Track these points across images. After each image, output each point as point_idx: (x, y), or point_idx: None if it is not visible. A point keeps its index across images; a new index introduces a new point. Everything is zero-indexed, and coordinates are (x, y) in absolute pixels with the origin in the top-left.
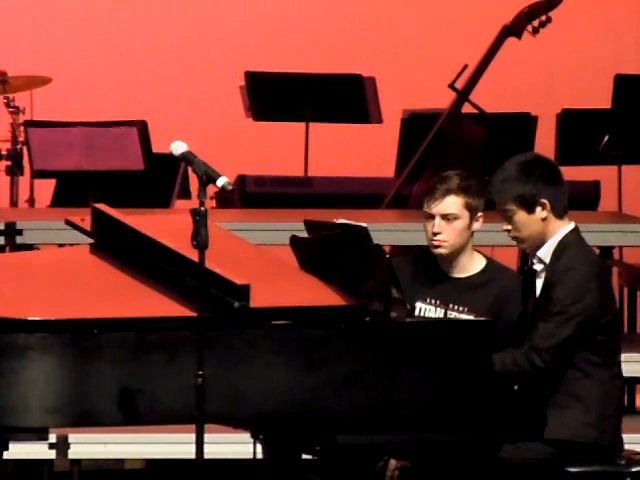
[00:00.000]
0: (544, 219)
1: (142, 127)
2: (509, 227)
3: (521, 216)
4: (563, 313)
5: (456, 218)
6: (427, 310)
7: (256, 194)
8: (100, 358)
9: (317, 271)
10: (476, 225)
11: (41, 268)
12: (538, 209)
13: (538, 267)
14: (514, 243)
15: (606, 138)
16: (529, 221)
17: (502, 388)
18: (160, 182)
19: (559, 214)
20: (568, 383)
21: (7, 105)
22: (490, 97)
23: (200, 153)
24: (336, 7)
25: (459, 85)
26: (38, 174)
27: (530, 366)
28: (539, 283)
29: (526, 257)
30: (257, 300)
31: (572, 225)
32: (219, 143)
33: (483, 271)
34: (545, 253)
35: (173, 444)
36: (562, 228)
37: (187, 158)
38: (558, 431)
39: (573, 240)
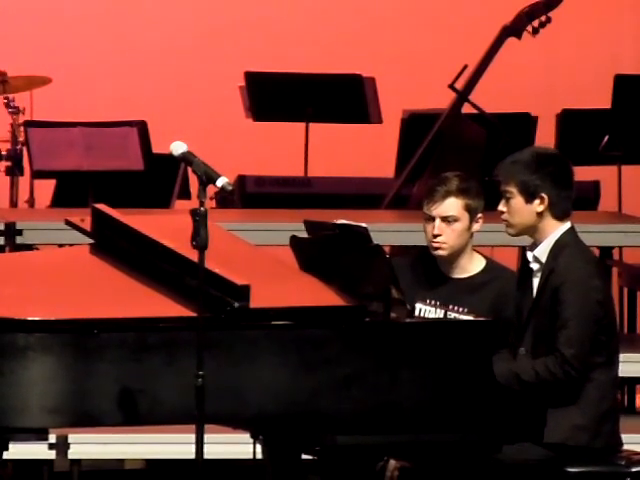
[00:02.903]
0: (539, 214)
1: (142, 127)
2: (504, 209)
3: (518, 202)
4: (576, 316)
5: (456, 220)
6: (427, 311)
7: (256, 194)
8: (100, 358)
9: (317, 271)
10: (476, 226)
11: (41, 268)
12: (536, 201)
13: (534, 266)
14: (514, 243)
15: (606, 138)
16: (524, 209)
17: (502, 388)
18: (160, 182)
19: (558, 215)
20: (569, 386)
21: (7, 105)
22: (490, 97)
23: (200, 153)
24: (336, 7)
25: (459, 85)
26: (38, 174)
27: (565, 375)
28: (535, 282)
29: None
30: (257, 300)
31: (568, 225)
32: (219, 143)
33: (483, 272)
34: (541, 252)
35: (173, 444)
36: (559, 228)
37: (187, 158)
38: (551, 434)
39: (570, 240)
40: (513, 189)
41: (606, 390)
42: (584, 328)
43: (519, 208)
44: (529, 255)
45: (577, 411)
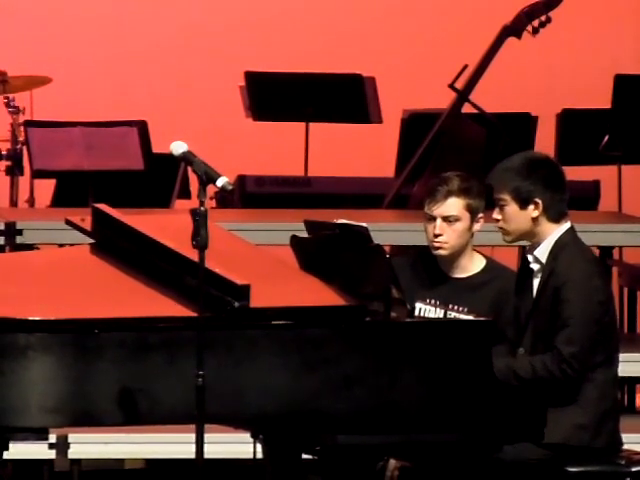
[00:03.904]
0: (534, 219)
1: (142, 127)
2: (499, 217)
3: (512, 209)
4: (577, 316)
5: (457, 220)
6: (427, 311)
7: (256, 194)
8: (100, 358)
9: (317, 271)
10: (477, 226)
11: (41, 268)
12: (531, 207)
13: (535, 267)
14: (514, 243)
15: (606, 138)
16: (519, 216)
17: (502, 388)
18: (160, 182)
19: (553, 218)
20: (567, 385)
21: (7, 105)
22: (490, 97)
23: (200, 153)
24: (336, 7)
25: (459, 85)
26: (38, 174)
27: (562, 374)
28: (535, 283)
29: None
30: (257, 300)
31: (568, 225)
32: (219, 143)
33: (483, 271)
34: (541, 253)
35: (173, 444)
36: (557, 229)
37: (187, 158)
38: (551, 434)
39: (569, 240)
40: (507, 196)
41: (606, 389)
42: (584, 328)
43: (514, 215)
44: (529, 256)
45: (578, 410)
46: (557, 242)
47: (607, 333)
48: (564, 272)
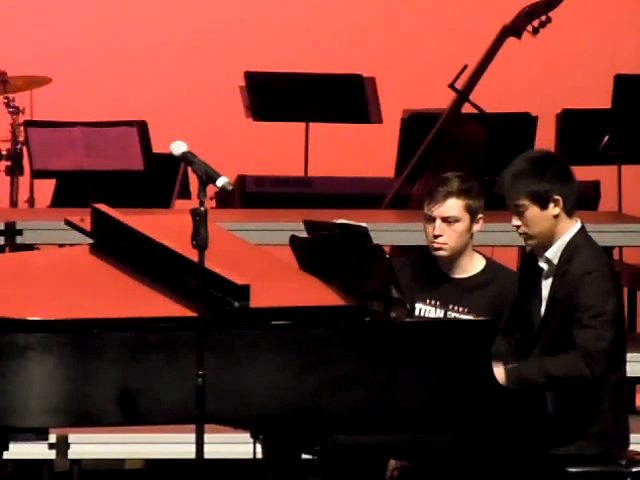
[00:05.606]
0: (556, 216)
1: (142, 127)
2: (519, 223)
3: (534, 212)
4: (600, 315)
5: (457, 221)
6: (427, 311)
7: (256, 194)
8: (100, 358)
9: (317, 271)
10: (476, 227)
11: (41, 268)
12: (551, 205)
13: (544, 267)
14: (514, 243)
15: (606, 138)
16: (541, 217)
17: (501, 388)
18: (160, 182)
19: (570, 212)
20: (579, 393)
21: (7, 105)
22: (490, 97)
23: (200, 153)
24: (336, 7)
25: (459, 85)
26: (38, 174)
27: (590, 372)
28: (545, 284)
29: (526, 257)
30: (257, 300)
31: (579, 225)
32: (219, 143)
33: (483, 272)
34: (554, 254)
35: (173, 444)
36: (570, 228)
37: (187, 158)
38: (568, 444)
39: (582, 240)
40: (525, 202)
41: (618, 393)
42: (607, 328)
43: (536, 217)
44: (541, 257)
45: (593, 419)
46: (569, 243)
47: (619, 334)
48: (580, 274)
